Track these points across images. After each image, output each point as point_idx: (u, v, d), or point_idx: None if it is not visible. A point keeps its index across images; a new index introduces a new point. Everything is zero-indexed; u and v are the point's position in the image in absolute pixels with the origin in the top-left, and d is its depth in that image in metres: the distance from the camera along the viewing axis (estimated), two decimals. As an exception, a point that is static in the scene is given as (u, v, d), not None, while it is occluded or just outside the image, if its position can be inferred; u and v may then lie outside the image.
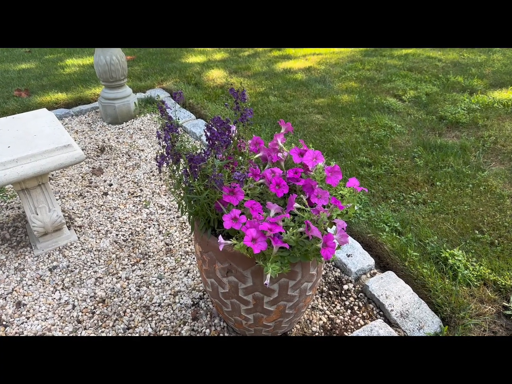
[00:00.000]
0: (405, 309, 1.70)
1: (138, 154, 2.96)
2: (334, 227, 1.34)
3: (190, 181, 1.35)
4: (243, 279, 1.40)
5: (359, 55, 4.93)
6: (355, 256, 1.94)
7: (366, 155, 2.76)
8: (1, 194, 2.56)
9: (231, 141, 1.42)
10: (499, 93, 3.62)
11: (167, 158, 1.37)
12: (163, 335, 1.68)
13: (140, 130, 3.29)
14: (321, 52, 5.13)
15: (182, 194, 1.44)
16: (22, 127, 2.07)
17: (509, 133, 2.97)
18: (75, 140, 3.13)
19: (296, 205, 1.35)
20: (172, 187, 1.39)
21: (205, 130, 1.35)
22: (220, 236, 1.28)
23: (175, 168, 1.42)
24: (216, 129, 1.36)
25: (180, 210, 1.44)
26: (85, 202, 2.48)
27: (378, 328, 1.62)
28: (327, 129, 3.13)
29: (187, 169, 1.35)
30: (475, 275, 1.85)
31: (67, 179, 2.71)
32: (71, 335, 1.70)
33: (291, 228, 1.28)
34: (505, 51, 4.84)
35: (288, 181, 1.45)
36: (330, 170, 1.43)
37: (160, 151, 1.39)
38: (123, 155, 2.95)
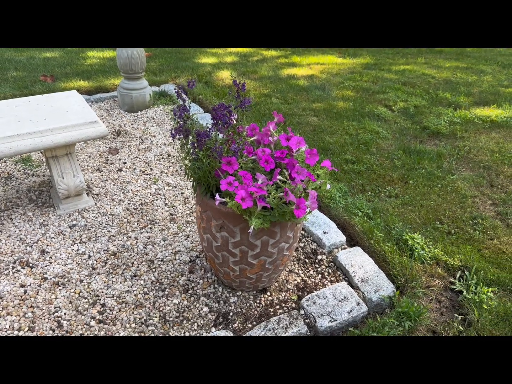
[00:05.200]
0: (365, 276, 2.04)
1: (150, 139, 3.31)
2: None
3: (197, 151, 1.70)
4: (233, 234, 1.74)
5: (360, 68, 5.30)
6: (330, 234, 2.28)
7: (351, 154, 3.12)
8: (28, 164, 2.92)
9: (232, 123, 1.77)
10: (481, 110, 3.97)
11: (180, 132, 1.72)
12: (164, 283, 2.03)
13: (153, 119, 3.65)
14: (324, 62, 5.50)
15: (189, 164, 1.79)
16: (56, 104, 2.43)
17: (482, 145, 3.32)
18: (94, 123, 3.49)
19: (280, 177, 1.70)
20: (181, 156, 1.74)
21: (211, 112, 1.70)
22: (217, 194, 1.62)
23: (184, 142, 1.78)
24: (220, 111, 1.71)
25: (186, 175, 1.78)
26: (102, 175, 2.83)
27: (341, 288, 1.96)
28: (320, 130, 3.48)
29: (195, 143, 1.70)
30: (429, 255, 2.19)
31: (87, 155, 3.06)
32: (86, 278, 2.04)
33: (273, 193, 1.63)
34: (495, 73, 5.20)
35: (275, 159, 1.79)
36: (309, 153, 1.78)
37: (173, 126, 1.75)
38: (136, 139, 3.31)
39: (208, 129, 1.70)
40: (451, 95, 4.34)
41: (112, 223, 2.40)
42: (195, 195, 1.88)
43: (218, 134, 1.75)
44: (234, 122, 1.83)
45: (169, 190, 2.72)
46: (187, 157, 1.78)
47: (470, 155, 3.20)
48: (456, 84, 4.72)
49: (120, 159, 3.04)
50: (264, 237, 1.75)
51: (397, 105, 4.04)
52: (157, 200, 2.62)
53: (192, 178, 1.81)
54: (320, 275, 2.10)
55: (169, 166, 2.97)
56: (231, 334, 1.76)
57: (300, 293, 2.00)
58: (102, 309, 1.89)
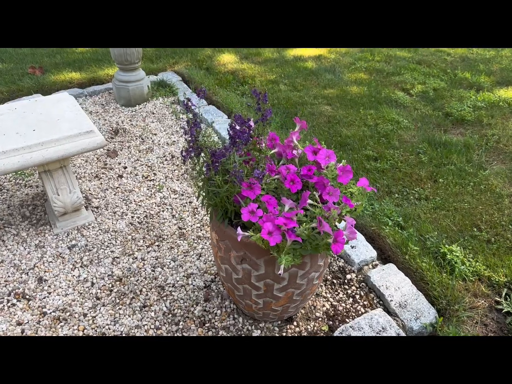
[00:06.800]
0: (403, 300, 1.82)
1: (151, 138, 3.04)
2: (342, 222, 1.45)
3: (211, 175, 1.45)
4: (256, 267, 1.51)
5: (369, 45, 4.96)
6: (358, 248, 2.05)
7: (372, 149, 2.85)
8: (19, 173, 2.66)
9: (251, 139, 1.51)
10: (505, 91, 3.68)
11: (191, 152, 1.46)
12: (177, 315, 1.81)
13: (153, 113, 3.37)
14: (331, 40, 5.15)
15: (201, 184, 1.54)
16: (45, 110, 2.15)
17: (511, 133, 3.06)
18: (90, 121, 3.21)
19: (309, 201, 1.45)
20: (193, 179, 1.49)
21: (228, 129, 1.44)
22: (238, 228, 1.38)
23: (196, 161, 1.52)
24: (238, 128, 1.45)
25: (200, 202, 1.54)
26: (101, 183, 2.58)
27: (378, 317, 1.74)
28: (335, 121, 3.20)
29: (209, 163, 1.45)
30: (471, 271, 1.96)
31: (83, 160, 2.80)
32: (90, 311, 1.82)
33: (304, 223, 1.38)
34: (514, 47, 4.87)
35: (301, 178, 1.54)
36: (342, 170, 1.53)
37: (184, 146, 1.50)
38: (136, 138, 3.04)
39: (224, 149, 1.44)
40: (471, 74, 4.03)
41: (116, 242, 2.17)
42: (210, 222, 1.64)
43: (235, 152, 1.50)
44: (254, 135, 1.57)
45: (176, 198, 2.47)
46: (200, 178, 1.53)
47: (499, 145, 2.94)
48: (474, 62, 4.40)
49: (119, 163, 2.77)
50: (293, 269, 1.52)
51: (415, 89, 3.74)
52: (163, 211, 2.37)
53: (206, 205, 1.56)
54: (351, 299, 1.88)
55: (174, 170, 2.71)
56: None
57: (331, 322, 1.79)
58: (110, 350, 1.68)
